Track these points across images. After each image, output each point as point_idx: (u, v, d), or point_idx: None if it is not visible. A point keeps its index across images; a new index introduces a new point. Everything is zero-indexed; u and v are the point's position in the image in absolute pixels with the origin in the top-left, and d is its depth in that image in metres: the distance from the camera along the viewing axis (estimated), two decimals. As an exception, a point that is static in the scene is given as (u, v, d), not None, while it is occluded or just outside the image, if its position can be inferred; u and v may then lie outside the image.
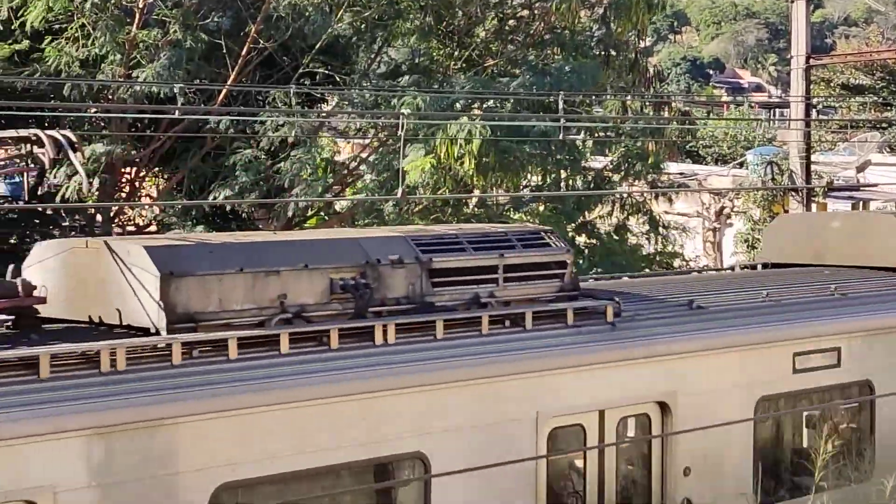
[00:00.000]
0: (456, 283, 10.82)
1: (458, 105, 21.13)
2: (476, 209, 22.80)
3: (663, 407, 11.55)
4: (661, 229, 25.65)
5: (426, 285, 10.58)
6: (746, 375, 12.21)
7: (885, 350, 13.38)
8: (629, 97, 25.35)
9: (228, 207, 22.15)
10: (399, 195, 14.71)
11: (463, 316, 10.65)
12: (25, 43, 20.21)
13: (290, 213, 21.70)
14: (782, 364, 12.48)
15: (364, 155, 23.77)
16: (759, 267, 15.71)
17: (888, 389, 13.04)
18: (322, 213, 24.30)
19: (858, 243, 15.00)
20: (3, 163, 24.59)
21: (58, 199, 20.37)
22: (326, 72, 22.00)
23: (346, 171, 24.03)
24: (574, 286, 11.60)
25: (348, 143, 28.21)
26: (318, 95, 23.07)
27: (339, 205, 23.91)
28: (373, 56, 23.42)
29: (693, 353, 11.83)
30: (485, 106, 21.77)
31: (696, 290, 13.10)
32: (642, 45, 26.57)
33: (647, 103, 27.57)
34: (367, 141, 23.90)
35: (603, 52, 24.54)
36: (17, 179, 26.72)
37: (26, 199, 24.40)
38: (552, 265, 11.47)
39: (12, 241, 22.14)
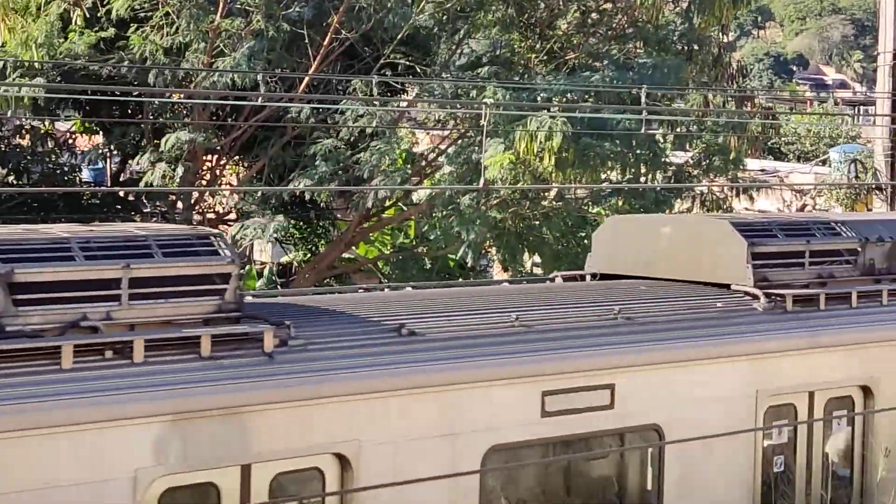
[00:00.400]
0: (52, 301, 8.45)
1: (539, 98, 21.07)
2: (554, 202, 22.73)
3: (342, 460, 9.16)
4: (741, 226, 25.34)
5: (4, 304, 8.28)
6: (468, 420, 9.67)
7: (682, 388, 10.89)
8: (711, 92, 25.13)
9: (308, 196, 22.26)
10: (481, 185, 14.21)
11: (25, 346, 8.18)
12: (111, 31, 20.43)
13: (368, 204, 21.78)
14: (526, 406, 9.96)
15: (443, 146, 23.78)
16: (588, 278, 13.31)
17: (684, 434, 10.57)
18: (400, 204, 24.37)
19: (688, 253, 12.61)
20: (86, 149, 25.02)
21: (142, 185, 20.65)
22: (407, 63, 22.02)
23: (424, 163, 24.06)
24: (237, 306, 9.12)
25: (427, 134, 28.24)
26: (398, 86, 23.12)
27: (417, 195, 23.94)
28: (454, 47, 23.41)
29: (385, 392, 9.29)
30: (565, 99, 21.68)
31: (427, 310, 10.58)
32: (726, 40, 26.32)
33: (730, 98, 27.31)
34: (446, 132, 23.91)
35: (686, 48, 24.34)
36: (100, 165, 27.11)
37: (108, 184, 24.77)
38: (209, 279, 9.06)
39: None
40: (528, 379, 10.02)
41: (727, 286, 12.11)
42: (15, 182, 22.51)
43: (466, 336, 10.08)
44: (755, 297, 11.86)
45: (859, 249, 12.84)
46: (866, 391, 12.15)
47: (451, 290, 12.81)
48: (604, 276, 13.18)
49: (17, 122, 22.74)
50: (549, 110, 20.01)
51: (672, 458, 10.77)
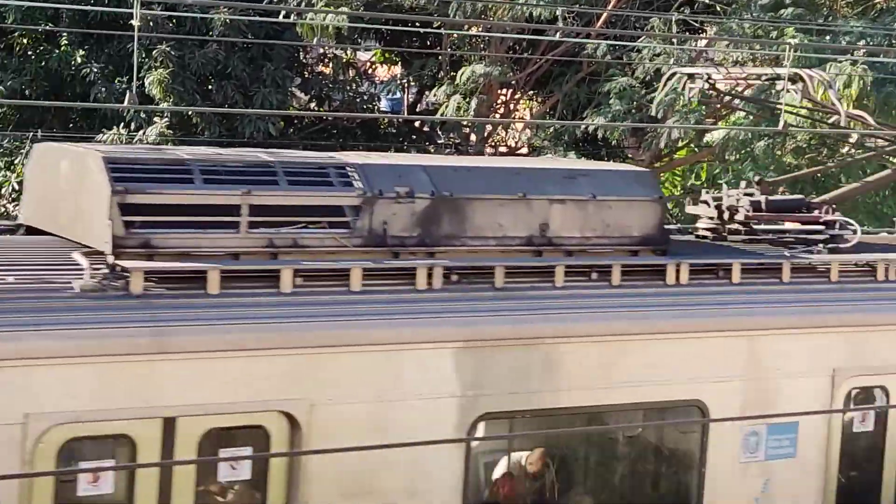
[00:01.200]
0: None
1: (842, 41, 20.39)
2: (855, 149, 22.01)
3: None
4: None
5: None
6: None
7: None
8: None
9: (600, 134, 22.21)
10: (780, 127, 13.58)
11: None
12: (415, -38, 20.76)
13: (661, 144, 21.57)
14: None
15: (740, 88, 23.28)
16: (21, 232, 9.61)
17: None
18: (693, 146, 24.05)
19: (71, 200, 8.77)
20: (386, 79, 25.53)
21: (437, 116, 21.03)
22: (707, 1, 21.66)
23: (719, 105, 23.61)
24: None
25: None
26: (697, 25, 22.75)
27: (711, 137, 23.56)
28: (757, -14, 22.87)
29: None
30: (871, 44, 20.92)
31: None
32: None
33: None
34: (744, 74, 23.34)
35: None
36: (397, 96, 27.70)
37: (405, 114, 25.31)
38: None
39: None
40: None
41: (98, 251, 8.29)
42: (317, 108, 23.26)
43: None
44: (81, 271, 7.98)
45: (361, 207, 8.80)
46: (292, 421, 8.27)
47: None
48: (30, 231, 9.45)
49: (321, 51, 23.43)
50: (852, 54, 19.33)
51: None
